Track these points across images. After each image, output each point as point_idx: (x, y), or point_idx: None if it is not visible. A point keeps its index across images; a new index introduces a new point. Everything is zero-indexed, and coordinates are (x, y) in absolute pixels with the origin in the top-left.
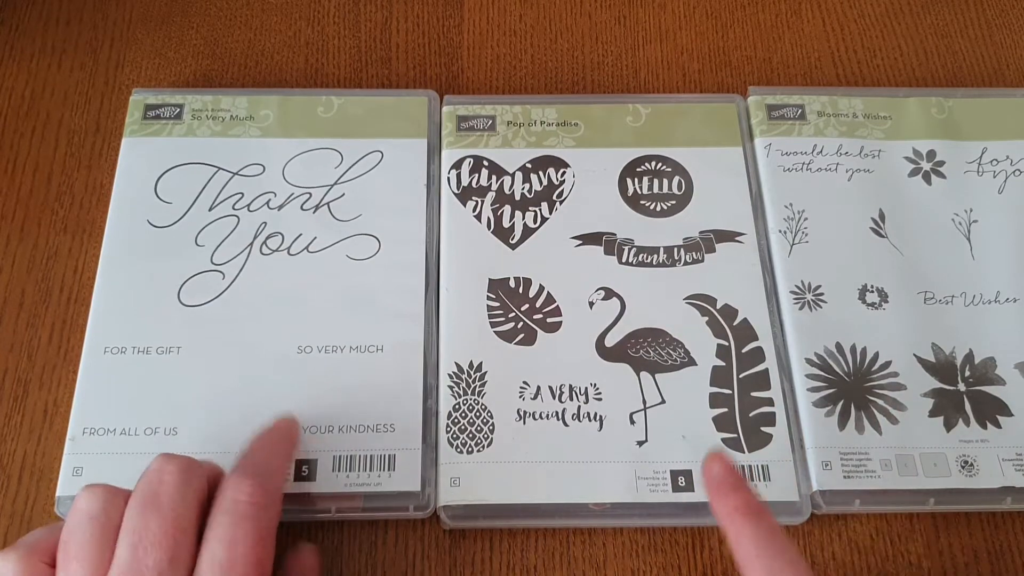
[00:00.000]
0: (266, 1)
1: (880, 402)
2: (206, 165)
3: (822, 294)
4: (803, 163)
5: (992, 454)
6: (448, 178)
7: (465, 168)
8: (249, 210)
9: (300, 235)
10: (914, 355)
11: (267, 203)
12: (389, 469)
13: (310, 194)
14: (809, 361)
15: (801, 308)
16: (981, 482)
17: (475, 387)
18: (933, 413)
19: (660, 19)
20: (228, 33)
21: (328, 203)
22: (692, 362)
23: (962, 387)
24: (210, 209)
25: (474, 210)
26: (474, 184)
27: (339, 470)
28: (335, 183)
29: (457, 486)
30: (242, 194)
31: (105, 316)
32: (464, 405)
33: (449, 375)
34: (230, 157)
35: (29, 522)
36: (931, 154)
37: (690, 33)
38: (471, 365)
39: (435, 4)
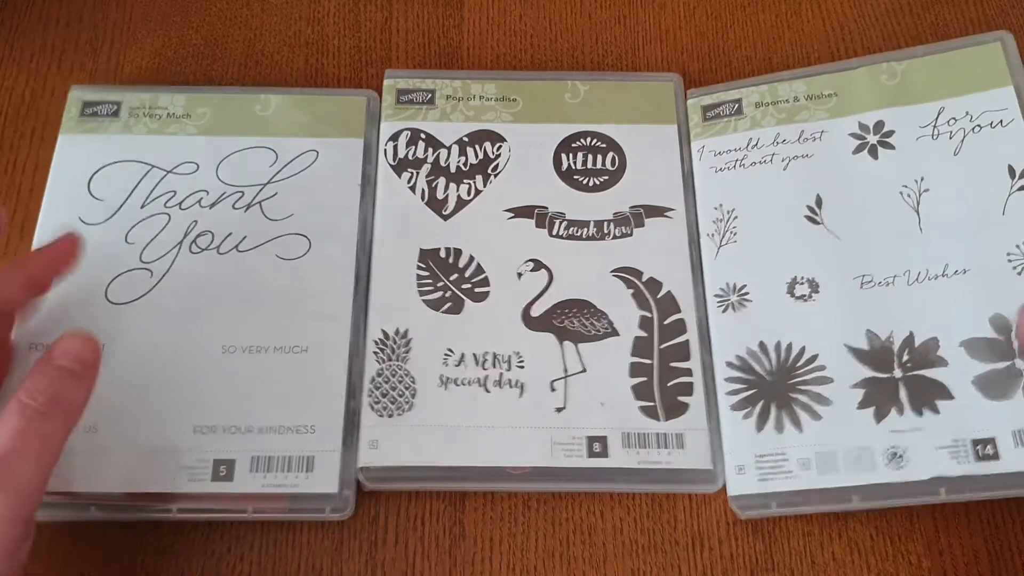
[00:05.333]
0: (266, 1)
1: (803, 398)
2: (140, 163)
3: (747, 294)
4: (736, 160)
5: (926, 443)
6: (385, 150)
7: (402, 140)
8: (180, 208)
9: (230, 234)
10: (845, 345)
11: (199, 201)
12: (308, 471)
13: (242, 193)
14: (729, 364)
15: (724, 311)
16: (910, 474)
17: (399, 353)
18: (863, 404)
19: (660, 19)
20: (228, 33)
21: (260, 202)
22: (615, 332)
23: (898, 373)
24: (141, 207)
25: (409, 181)
26: (410, 156)
27: (257, 471)
28: (268, 182)
29: (376, 448)
30: (174, 192)
31: (33, 313)
32: (387, 370)
33: (375, 341)
34: (164, 155)
35: None
36: (879, 125)
37: (690, 33)
38: (397, 332)
39: (435, 4)
